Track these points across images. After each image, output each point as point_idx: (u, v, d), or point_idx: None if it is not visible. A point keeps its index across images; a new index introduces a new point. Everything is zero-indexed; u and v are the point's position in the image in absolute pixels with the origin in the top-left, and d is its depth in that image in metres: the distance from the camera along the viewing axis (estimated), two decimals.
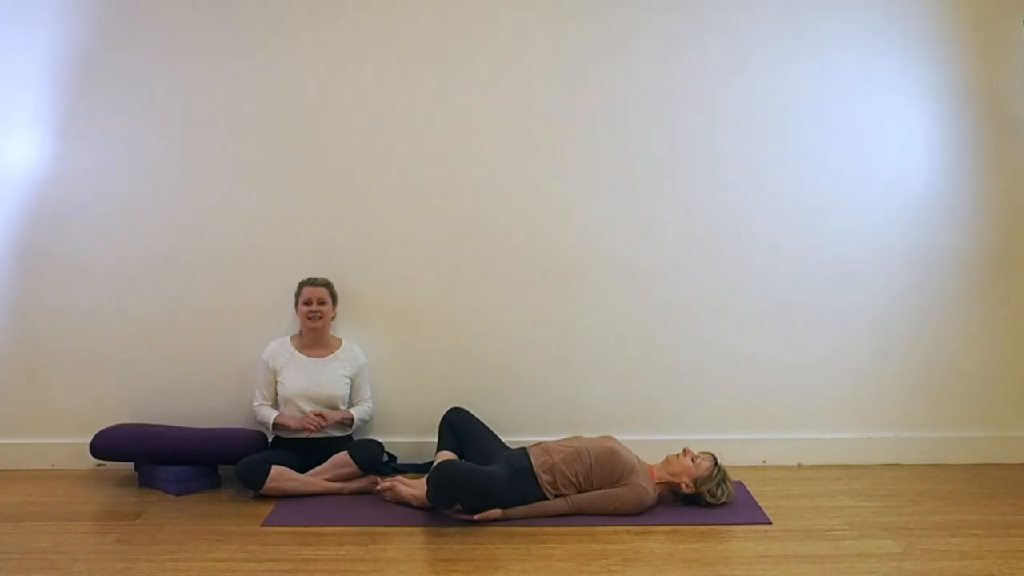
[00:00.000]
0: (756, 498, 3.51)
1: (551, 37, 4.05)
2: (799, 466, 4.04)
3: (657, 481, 3.39)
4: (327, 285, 3.89)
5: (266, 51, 4.04)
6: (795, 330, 4.05)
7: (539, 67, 4.05)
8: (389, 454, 3.89)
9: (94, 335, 4.03)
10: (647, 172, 4.05)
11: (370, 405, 3.93)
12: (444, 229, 4.06)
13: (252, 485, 3.52)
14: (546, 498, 3.30)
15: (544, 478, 3.32)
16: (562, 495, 3.32)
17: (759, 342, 4.05)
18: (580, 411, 4.05)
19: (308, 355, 3.85)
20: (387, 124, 4.05)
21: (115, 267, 4.03)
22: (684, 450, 3.46)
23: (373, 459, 3.70)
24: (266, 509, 3.39)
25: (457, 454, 3.63)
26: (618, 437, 3.53)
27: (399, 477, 3.57)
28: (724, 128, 4.04)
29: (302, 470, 3.62)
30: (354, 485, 3.62)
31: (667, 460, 3.45)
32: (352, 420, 3.81)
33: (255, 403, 3.83)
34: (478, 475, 3.22)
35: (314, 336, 3.87)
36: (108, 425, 3.84)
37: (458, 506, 3.23)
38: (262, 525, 3.22)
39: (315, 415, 3.71)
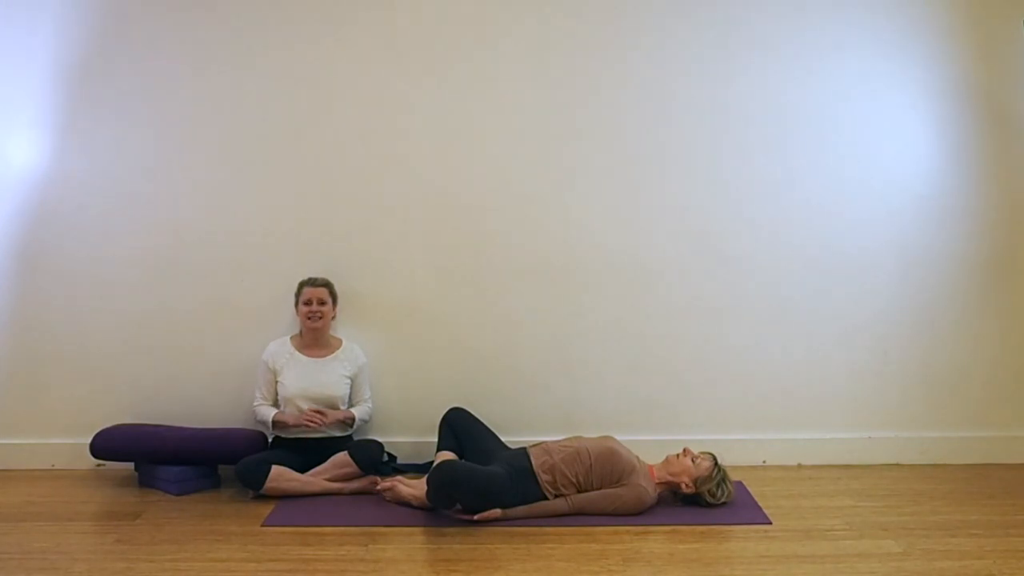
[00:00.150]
0: (756, 498, 3.51)
1: (551, 37, 4.04)
2: (799, 466, 4.04)
3: (657, 481, 3.39)
4: (327, 285, 3.89)
5: (266, 51, 4.04)
6: (795, 330, 4.05)
7: (539, 67, 4.05)
8: (389, 454, 3.89)
9: (94, 335, 4.03)
10: (647, 172, 4.06)
11: (370, 405, 3.93)
12: (444, 229, 4.06)
13: (252, 485, 3.52)
14: (546, 498, 3.30)
15: (544, 478, 3.32)
16: (562, 495, 3.32)
17: (759, 342, 4.05)
18: (580, 411, 4.05)
19: (308, 355, 3.85)
20: (387, 124, 4.05)
21: (115, 267, 4.03)
22: (684, 450, 3.47)
23: (373, 459, 3.70)
24: (266, 509, 3.39)
25: (457, 454, 3.63)
26: (618, 437, 3.53)
27: (399, 477, 3.57)
28: (724, 128, 4.04)
29: (302, 470, 3.62)
30: (354, 485, 3.62)
31: (667, 460, 3.45)
32: (354, 420, 3.81)
33: (255, 403, 3.83)
34: (478, 475, 3.22)
35: (314, 336, 3.87)
36: (108, 425, 3.84)
37: (458, 506, 3.23)
38: (262, 525, 3.22)
39: (313, 411, 3.70)
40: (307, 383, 3.77)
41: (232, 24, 4.04)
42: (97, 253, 4.03)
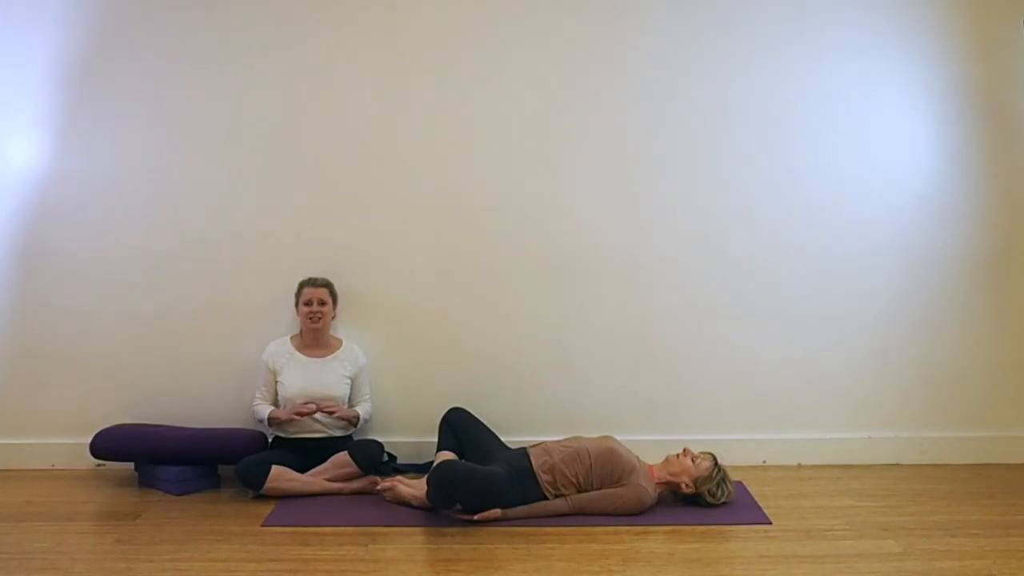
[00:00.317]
0: (756, 498, 3.51)
1: (551, 37, 4.04)
2: (799, 466, 4.04)
3: (657, 481, 3.39)
4: (327, 285, 3.89)
5: (266, 51, 4.04)
6: (795, 330, 4.05)
7: (539, 67, 4.05)
8: (389, 454, 3.89)
9: (94, 335, 4.03)
10: (647, 172, 4.06)
11: (370, 405, 3.93)
12: (444, 229, 4.06)
13: (252, 485, 3.52)
14: (546, 498, 3.30)
15: (544, 478, 3.32)
16: (562, 495, 3.32)
17: (759, 342, 4.05)
18: (580, 411, 4.05)
19: (308, 355, 3.85)
20: (387, 124, 4.05)
21: (115, 267, 4.03)
22: (684, 450, 3.46)
23: (373, 459, 3.70)
24: (266, 509, 3.39)
25: (457, 454, 3.63)
26: (618, 437, 3.53)
27: (399, 477, 3.57)
28: (724, 128, 4.04)
29: (302, 470, 3.62)
30: (354, 485, 3.62)
31: (667, 460, 3.45)
32: (358, 419, 3.81)
33: (254, 403, 3.83)
34: (478, 475, 3.22)
35: (314, 336, 3.87)
36: (108, 425, 3.84)
37: (458, 506, 3.23)
38: (262, 525, 3.22)
39: (304, 402, 3.69)
40: (307, 383, 3.77)
41: (232, 24, 4.04)
42: (97, 253, 4.03)
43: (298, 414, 3.67)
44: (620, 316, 4.06)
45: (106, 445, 3.72)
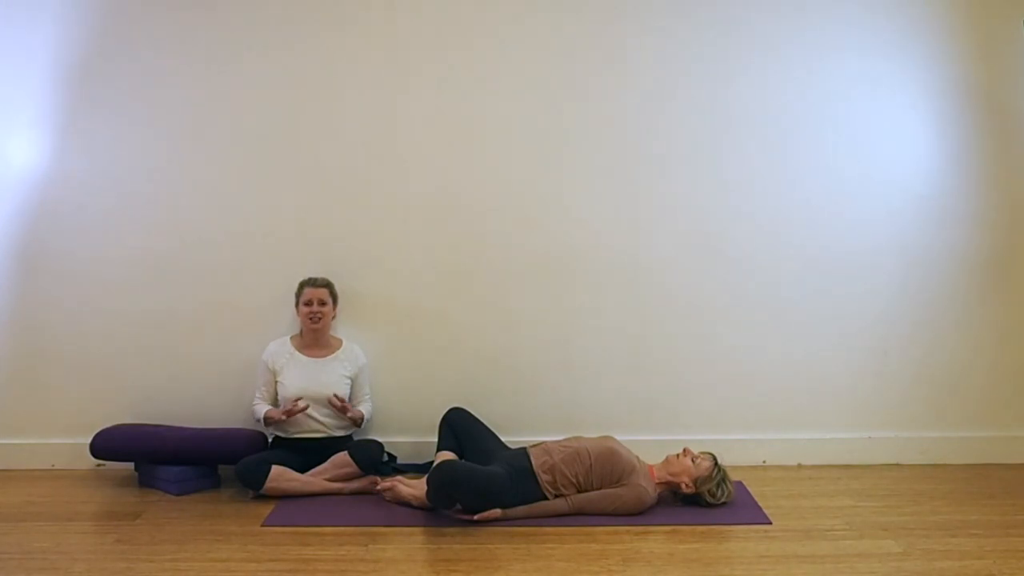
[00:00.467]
0: (756, 498, 3.51)
1: (550, 37, 4.04)
2: (799, 466, 4.04)
3: (657, 481, 3.39)
4: (328, 285, 3.89)
5: (266, 51, 4.04)
6: (795, 330, 4.05)
7: (539, 67, 4.05)
8: (389, 454, 3.89)
9: (94, 335, 4.03)
10: (647, 172, 4.06)
11: (370, 405, 3.93)
12: (444, 229, 4.06)
13: (252, 485, 3.52)
14: (546, 498, 3.30)
15: (544, 478, 3.32)
16: (562, 495, 3.32)
17: (759, 342, 4.05)
18: (580, 411, 4.05)
19: (308, 355, 3.85)
20: (387, 124, 4.05)
21: (115, 267, 4.03)
22: (684, 450, 3.47)
23: (373, 459, 3.70)
24: (266, 509, 3.39)
25: (457, 454, 3.63)
26: (618, 437, 3.53)
27: (399, 477, 3.57)
28: (724, 128, 4.04)
29: (302, 470, 3.62)
30: (354, 485, 3.62)
31: (667, 460, 3.45)
32: (362, 420, 3.81)
33: (254, 403, 3.83)
34: (478, 475, 3.22)
35: (314, 336, 3.87)
36: (108, 425, 3.84)
37: (458, 506, 3.23)
38: (262, 525, 3.22)
39: (294, 401, 3.68)
40: (307, 383, 3.77)
41: (232, 24, 4.04)
42: (97, 253, 4.03)
43: (288, 413, 3.66)
44: (620, 316, 4.06)
45: (106, 445, 3.72)
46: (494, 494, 3.21)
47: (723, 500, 3.38)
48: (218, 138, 4.04)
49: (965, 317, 4.05)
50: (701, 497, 3.37)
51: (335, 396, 3.72)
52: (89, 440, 3.72)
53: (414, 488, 3.41)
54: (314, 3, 4.04)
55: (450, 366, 4.05)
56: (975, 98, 4.03)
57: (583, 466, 3.34)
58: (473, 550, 2.97)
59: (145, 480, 3.74)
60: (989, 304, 4.06)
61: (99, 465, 3.96)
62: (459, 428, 3.71)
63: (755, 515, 3.31)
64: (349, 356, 3.90)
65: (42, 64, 4.01)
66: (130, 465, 3.85)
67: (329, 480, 3.61)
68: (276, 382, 3.81)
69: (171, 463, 3.64)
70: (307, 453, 3.71)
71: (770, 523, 3.22)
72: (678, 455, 3.44)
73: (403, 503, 3.42)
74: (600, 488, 3.32)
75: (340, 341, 3.94)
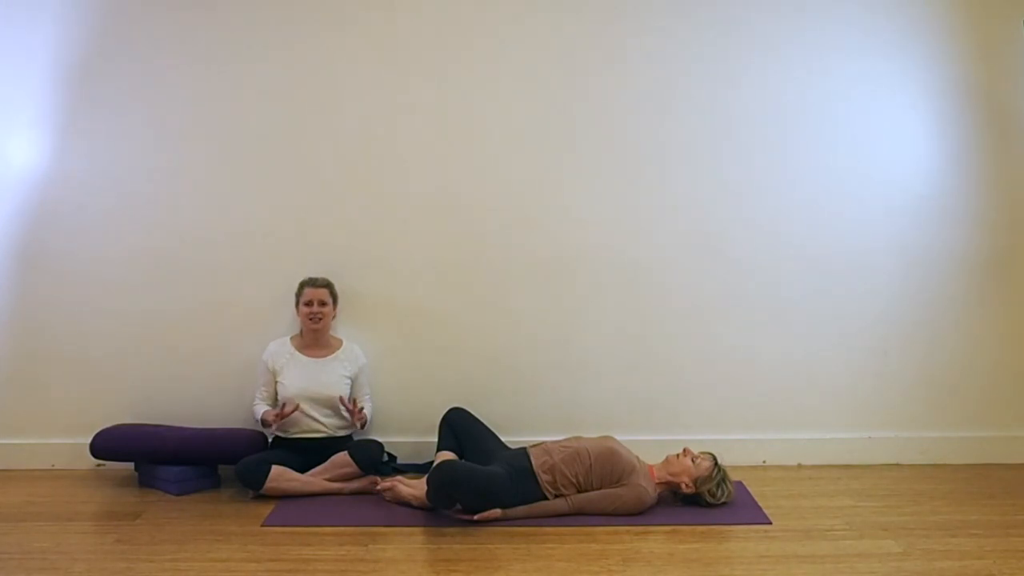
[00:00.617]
0: (756, 498, 3.51)
1: (551, 36, 4.04)
2: (799, 466, 4.04)
3: (657, 481, 3.39)
4: (328, 286, 3.89)
5: (266, 51, 4.04)
6: (795, 330, 4.05)
7: (539, 67, 4.05)
8: (389, 454, 3.89)
9: (94, 335, 4.03)
10: (647, 172, 4.06)
11: (370, 405, 3.92)
12: (444, 229, 4.06)
13: (252, 485, 3.52)
14: (546, 498, 3.30)
15: (544, 478, 3.32)
16: (562, 495, 3.32)
17: (759, 342, 4.05)
18: (580, 411, 4.05)
19: (308, 355, 3.85)
20: (387, 124, 4.05)
21: (115, 267, 4.03)
22: (684, 450, 3.47)
23: (373, 459, 3.70)
24: (266, 509, 3.39)
25: (457, 454, 3.63)
26: (618, 437, 3.53)
27: (399, 477, 3.57)
28: (724, 128, 4.04)
29: (302, 470, 3.62)
30: (354, 485, 3.62)
31: (667, 460, 3.45)
32: (366, 422, 3.80)
33: (254, 403, 3.83)
34: (478, 475, 3.22)
35: (314, 336, 3.87)
36: (108, 425, 3.84)
37: (458, 506, 3.23)
38: (262, 525, 3.22)
39: (282, 404, 3.68)
40: (307, 383, 3.77)
41: (232, 24, 4.04)
42: (97, 253, 4.03)
43: (279, 416, 3.65)
44: (620, 316, 4.06)
45: (106, 445, 3.72)
46: (494, 494, 3.21)
47: (723, 500, 3.38)
48: (218, 138, 4.04)
49: (965, 317, 4.05)
50: (701, 497, 3.37)
51: (351, 401, 3.71)
52: (89, 440, 3.72)
53: (414, 488, 3.41)
54: (314, 3, 4.04)
55: (450, 366, 4.05)
56: (975, 98, 4.03)
57: (583, 466, 3.34)
58: (473, 550, 2.97)
59: (145, 480, 3.74)
60: (989, 304, 4.06)
61: (99, 465, 3.96)
62: (459, 428, 3.71)
63: (755, 515, 3.31)
64: (349, 356, 3.90)
65: (42, 64, 4.02)
66: (130, 465, 3.85)
67: (329, 480, 3.61)
68: (276, 382, 3.81)
69: (171, 463, 3.64)
70: (307, 453, 3.71)
71: (770, 523, 3.22)
72: (678, 455, 3.44)
73: (403, 503, 3.42)
74: (600, 488, 3.32)
75: (340, 341, 3.94)
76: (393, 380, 4.04)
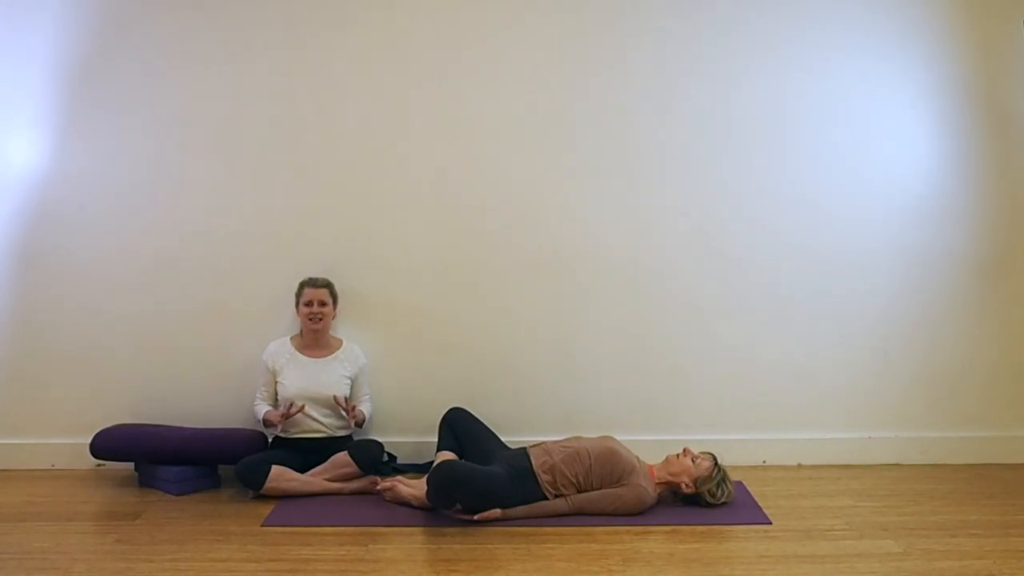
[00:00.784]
0: (756, 498, 3.51)
1: (551, 36, 4.05)
2: (799, 466, 4.04)
3: (657, 481, 3.39)
4: (328, 286, 3.89)
5: (266, 51, 4.04)
6: (795, 330, 4.05)
7: (540, 67, 4.05)
8: (389, 454, 3.89)
9: (94, 335, 4.03)
10: (648, 172, 4.06)
11: (370, 405, 3.93)
12: (444, 229, 4.06)
13: (252, 485, 3.52)
14: (546, 498, 3.30)
15: (544, 478, 3.32)
16: (562, 495, 3.32)
17: (759, 342, 4.05)
18: (580, 411, 4.05)
19: (308, 355, 3.85)
20: (387, 124, 4.05)
21: (115, 267, 4.03)
22: (684, 450, 3.47)
23: (373, 459, 3.70)
24: (266, 509, 3.39)
25: (457, 454, 3.63)
26: (618, 437, 3.53)
27: (399, 477, 3.57)
28: (724, 128, 4.04)
29: (302, 470, 3.62)
30: (354, 485, 3.62)
31: (667, 460, 3.45)
32: (364, 421, 3.81)
33: (255, 403, 3.83)
34: (478, 475, 3.22)
35: (314, 337, 3.87)
36: (108, 425, 3.84)
37: (458, 506, 3.23)
38: (262, 525, 3.22)
39: (290, 405, 3.67)
40: (307, 383, 3.77)
41: (232, 24, 4.04)
42: (97, 253, 4.03)
43: (285, 416, 3.65)
44: (620, 316, 4.06)
45: (106, 445, 3.72)
46: (494, 494, 3.21)
47: (723, 500, 3.38)
48: (218, 138, 4.04)
49: (965, 317, 4.05)
50: (701, 497, 3.37)
51: (344, 399, 3.71)
52: (89, 440, 3.72)
53: (414, 488, 3.41)
54: (314, 3, 4.04)
55: (450, 366, 4.05)
56: (975, 98, 4.03)
57: (583, 466, 3.34)
58: (473, 550, 2.97)
59: (145, 480, 3.74)
60: (989, 304, 4.06)
61: (99, 465, 3.96)
62: (459, 428, 3.71)
63: (755, 515, 3.31)
64: (349, 356, 3.90)
65: (42, 64, 4.02)
66: (130, 465, 3.85)
67: (329, 480, 3.61)
68: (276, 382, 3.81)
69: (171, 463, 3.64)
70: (307, 453, 3.71)
71: (770, 523, 3.22)
72: (678, 455, 3.44)
73: (403, 503, 3.42)
74: (600, 488, 3.32)
75: (340, 341, 3.94)
76: (393, 380, 4.04)
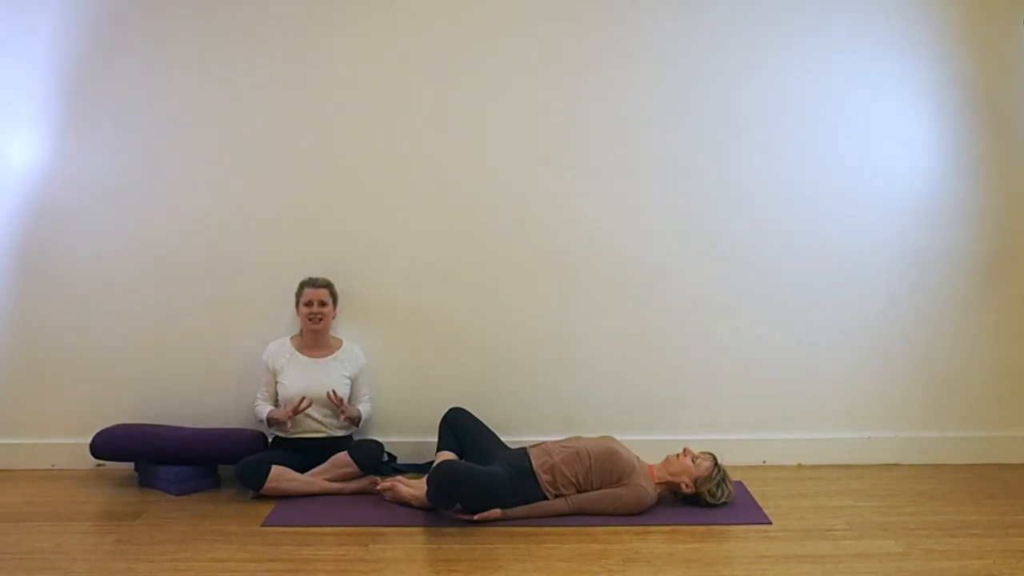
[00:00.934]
0: (756, 498, 3.51)
1: (552, 37, 4.04)
2: (799, 466, 4.04)
3: (657, 481, 3.39)
4: (328, 286, 3.89)
5: (266, 51, 4.04)
6: (795, 330, 4.05)
7: (540, 67, 4.05)
8: (389, 454, 3.89)
9: (94, 335, 4.03)
10: (648, 172, 4.06)
11: (370, 405, 3.93)
12: (444, 229, 4.06)
13: (252, 485, 3.52)
14: (546, 498, 3.30)
15: (544, 478, 3.32)
16: (562, 495, 3.32)
17: (759, 342, 4.05)
18: (580, 411, 4.04)
19: (308, 355, 3.85)
20: (387, 124, 4.05)
21: (115, 267, 4.03)
22: (684, 450, 3.47)
23: (373, 459, 3.70)
24: (266, 509, 3.39)
25: (457, 454, 3.63)
26: (618, 437, 3.53)
27: (399, 477, 3.57)
28: (724, 128, 4.04)
29: (302, 470, 3.62)
30: (354, 485, 3.62)
31: (667, 460, 3.45)
32: (359, 419, 3.81)
33: (255, 403, 3.83)
34: (478, 475, 3.22)
35: (314, 337, 3.87)
36: (108, 425, 3.84)
37: (458, 506, 3.23)
38: (262, 525, 3.22)
39: (298, 401, 3.67)
40: (307, 383, 3.77)
41: (232, 24, 4.04)
42: (97, 253, 4.03)
43: (294, 412, 3.65)
44: (620, 316, 4.06)
45: (106, 445, 3.72)
46: (494, 494, 3.21)
47: (723, 500, 3.38)
48: (218, 138, 4.04)
49: (965, 317, 4.05)
50: (701, 497, 3.37)
51: (333, 392, 3.71)
52: (89, 440, 3.72)
53: (414, 488, 3.41)
54: (314, 3, 4.04)
55: (450, 366, 4.05)
56: (975, 98, 4.03)
57: (583, 466, 3.34)
58: (473, 550, 2.97)
59: (145, 480, 3.74)
60: (989, 304, 4.06)
61: (99, 465, 3.96)
62: (459, 428, 3.71)
63: (755, 515, 3.31)
64: (349, 356, 3.90)
65: (42, 64, 4.01)
66: (130, 465, 3.85)
67: (329, 480, 3.61)
68: (276, 382, 3.81)
69: (171, 463, 3.64)
70: (307, 453, 3.71)
71: (770, 523, 3.22)
72: (678, 455, 3.44)
73: (403, 503, 3.42)
74: (600, 488, 3.32)
75: (340, 341, 3.94)
76: (393, 380, 4.04)
